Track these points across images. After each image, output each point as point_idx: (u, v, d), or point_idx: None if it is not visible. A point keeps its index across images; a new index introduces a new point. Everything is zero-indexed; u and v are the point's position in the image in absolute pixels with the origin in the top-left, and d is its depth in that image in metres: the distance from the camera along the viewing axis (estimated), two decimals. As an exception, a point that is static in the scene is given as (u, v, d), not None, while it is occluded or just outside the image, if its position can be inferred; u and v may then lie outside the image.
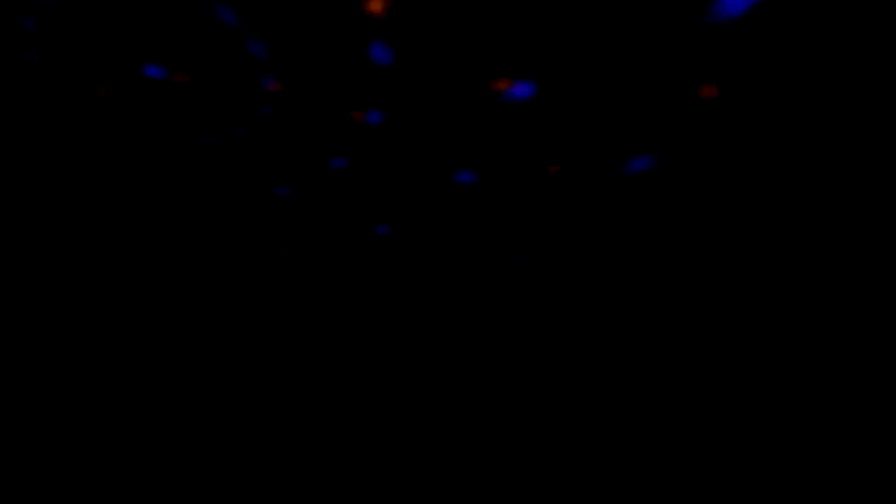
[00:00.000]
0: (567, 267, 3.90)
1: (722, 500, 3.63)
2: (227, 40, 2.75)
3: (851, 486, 3.41)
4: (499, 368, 4.06)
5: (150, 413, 3.86)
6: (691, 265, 3.77)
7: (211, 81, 2.92)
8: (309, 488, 3.87)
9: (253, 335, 4.25)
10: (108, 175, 3.41)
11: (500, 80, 2.89)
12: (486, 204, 3.64)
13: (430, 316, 4.17)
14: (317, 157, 3.31)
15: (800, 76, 2.83)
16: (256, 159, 3.32)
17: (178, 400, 4.03)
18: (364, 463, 3.90)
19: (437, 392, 4.05)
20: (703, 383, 3.80)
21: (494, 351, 4.11)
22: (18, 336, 3.46)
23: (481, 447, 3.92)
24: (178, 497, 3.74)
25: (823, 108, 2.97)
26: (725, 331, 3.80)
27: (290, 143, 3.22)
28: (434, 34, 2.71)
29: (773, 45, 2.69)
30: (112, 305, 3.82)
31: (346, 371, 4.11)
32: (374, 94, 2.98)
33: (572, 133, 3.13)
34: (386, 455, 3.94)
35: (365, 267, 4.01)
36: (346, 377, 4.10)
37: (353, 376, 4.10)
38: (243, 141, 3.22)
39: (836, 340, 3.65)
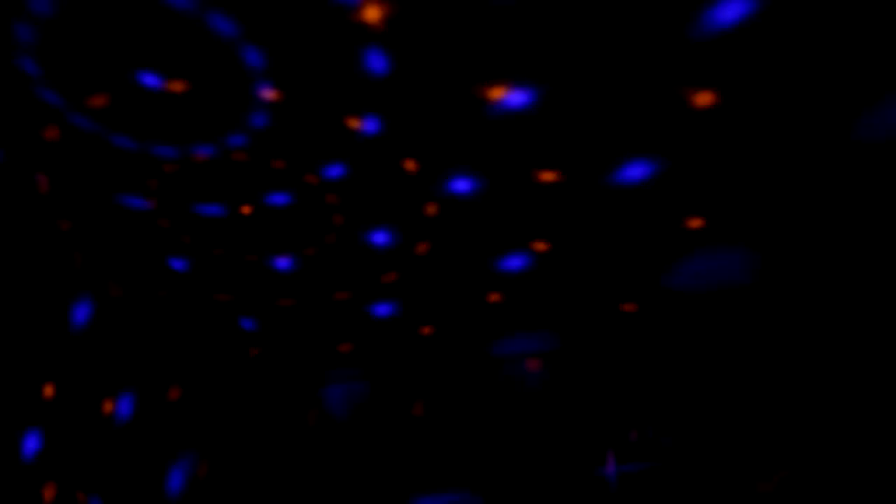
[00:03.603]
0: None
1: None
2: (223, 49, 2.75)
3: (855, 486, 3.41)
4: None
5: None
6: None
7: (207, 89, 2.93)
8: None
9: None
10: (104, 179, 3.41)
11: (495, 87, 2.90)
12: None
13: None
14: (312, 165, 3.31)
15: (795, 83, 2.84)
16: (253, 169, 3.32)
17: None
18: None
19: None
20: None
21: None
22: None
23: None
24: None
25: (818, 112, 2.98)
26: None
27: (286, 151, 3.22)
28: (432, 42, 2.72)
29: (767, 53, 2.70)
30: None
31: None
32: (370, 103, 2.99)
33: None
34: None
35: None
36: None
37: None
38: (238, 150, 3.22)
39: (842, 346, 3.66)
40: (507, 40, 2.70)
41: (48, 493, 3.47)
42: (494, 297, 4.17)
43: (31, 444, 3.44)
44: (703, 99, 2.90)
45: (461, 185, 3.43)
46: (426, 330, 4.34)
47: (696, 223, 3.56)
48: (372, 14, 2.61)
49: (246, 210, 3.60)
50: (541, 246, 3.78)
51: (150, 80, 2.94)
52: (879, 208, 3.37)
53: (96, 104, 3.01)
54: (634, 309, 4.02)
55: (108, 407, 3.84)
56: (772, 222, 3.51)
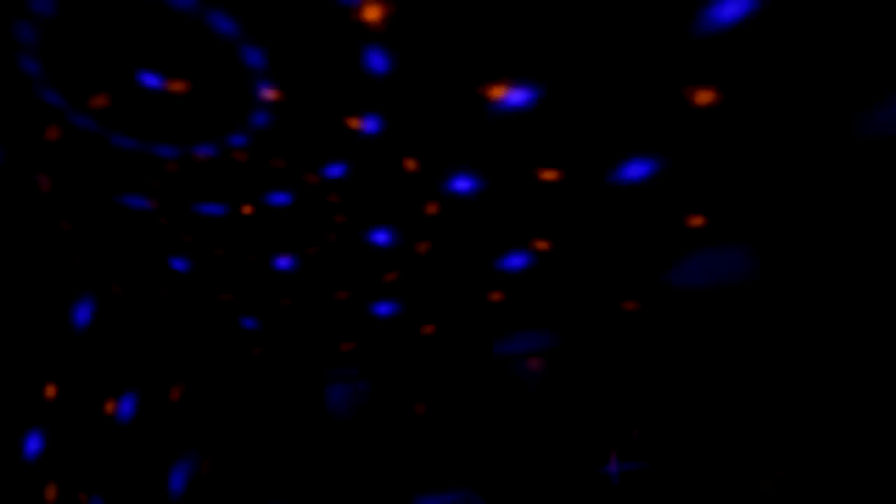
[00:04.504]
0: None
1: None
2: (224, 49, 2.75)
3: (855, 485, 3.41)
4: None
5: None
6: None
7: (208, 89, 2.93)
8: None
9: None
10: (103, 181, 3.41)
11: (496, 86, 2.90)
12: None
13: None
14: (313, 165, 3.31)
15: (794, 81, 2.84)
16: (253, 168, 3.32)
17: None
18: None
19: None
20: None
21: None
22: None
23: None
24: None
25: (819, 111, 2.98)
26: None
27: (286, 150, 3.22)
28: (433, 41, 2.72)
29: (766, 51, 2.70)
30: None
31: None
32: (371, 103, 2.99)
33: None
34: None
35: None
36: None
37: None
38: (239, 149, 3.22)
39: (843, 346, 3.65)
40: (508, 39, 2.70)
41: (50, 493, 3.47)
42: (496, 296, 4.17)
43: (33, 444, 3.45)
44: (704, 97, 2.90)
45: (462, 184, 3.43)
46: (428, 329, 4.34)
47: (697, 221, 3.56)
48: (372, 13, 2.61)
49: (247, 210, 3.61)
50: (542, 245, 3.78)
51: (150, 80, 2.94)
52: (881, 205, 3.36)
53: (97, 104, 3.01)
54: (636, 307, 4.02)
55: (109, 407, 3.85)
56: (773, 219, 3.51)
